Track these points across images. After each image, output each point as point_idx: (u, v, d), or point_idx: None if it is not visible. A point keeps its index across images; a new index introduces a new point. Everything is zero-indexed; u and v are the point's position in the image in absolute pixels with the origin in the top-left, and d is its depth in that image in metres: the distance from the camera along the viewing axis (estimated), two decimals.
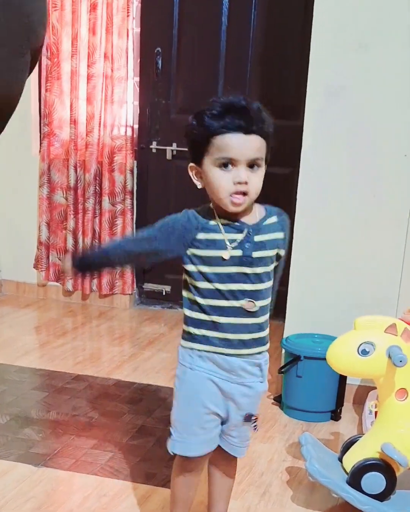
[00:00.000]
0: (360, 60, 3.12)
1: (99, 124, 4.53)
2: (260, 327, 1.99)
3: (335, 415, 3.25)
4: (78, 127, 4.56)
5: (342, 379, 3.21)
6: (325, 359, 2.47)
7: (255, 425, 2.10)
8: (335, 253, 3.32)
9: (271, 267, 1.97)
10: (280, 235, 1.99)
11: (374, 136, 3.17)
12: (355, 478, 2.39)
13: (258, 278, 1.93)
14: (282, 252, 2.02)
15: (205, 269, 1.92)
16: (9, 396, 3.33)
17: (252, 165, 1.85)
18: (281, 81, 4.38)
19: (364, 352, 2.32)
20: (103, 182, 4.61)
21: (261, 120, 1.87)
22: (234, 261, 1.90)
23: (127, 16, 4.37)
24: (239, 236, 1.91)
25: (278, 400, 3.36)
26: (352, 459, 2.44)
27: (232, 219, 1.92)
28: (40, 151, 4.71)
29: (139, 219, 4.74)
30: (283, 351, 3.33)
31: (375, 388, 3.04)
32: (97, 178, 4.63)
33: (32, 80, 4.65)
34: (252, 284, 1.93)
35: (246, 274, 1.91)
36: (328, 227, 3.30)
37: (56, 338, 4.19)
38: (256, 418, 2.09)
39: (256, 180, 1.87)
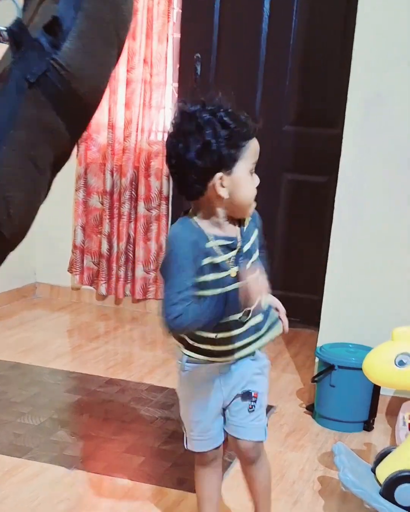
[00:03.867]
0: (402, 69, 3.11)
1: (137, 129, 4.55)
2: (256, 328, 1.98)
3: (368, 426, 3.22)
4: (115, 131, 4.58)
5: (376, 389, 3.19)
6: (359, 369, 2.46)
7: (253, 404, 2.06)
8: (372, 263, 3.30)
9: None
10: (256, 233, 1.96)
11: None
12: (388, 490, 2.37)
13: None
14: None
15: (208, 292, 1.85)
16: (43, 398, 3.35)
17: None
18: (320, 89, 4.37)
19: (401, 363, 2.30)
20: (139, 187, 4.62)
21: None
22: (234, 279, 1.86)
23: (168, 21, 4.39)
24: (233, 253, 1.88)
25: (310, 409, 3.35)
26: (386, 470, 2.42)
27: (220, 234, 1.86)
28: (77, 155, 4.73)
29: None
30: (317, 360, 3.31)
31: (408, 399, 3.03)
32: (133, 183, 4.65)
33: None
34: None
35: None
36: (365, 236, 3.29)
37: (89, 342, 4.21)
38: (255, 396, 2.06)
39: None
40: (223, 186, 1.79)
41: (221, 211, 1.86)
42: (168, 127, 1.88)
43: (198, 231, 1.85)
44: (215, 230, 1.86)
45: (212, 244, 1.85)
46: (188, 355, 2.02)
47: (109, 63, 1.11)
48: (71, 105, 1.20)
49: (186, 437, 2.16)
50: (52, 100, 1.18)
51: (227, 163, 1.78)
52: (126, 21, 1.12)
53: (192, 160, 1.76)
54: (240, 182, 1.80)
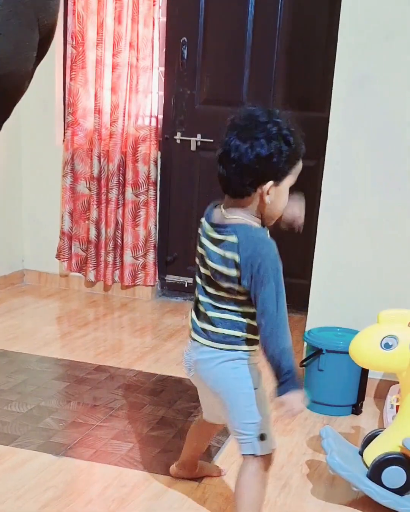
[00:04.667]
0: (387, 49, 3.09)
1: (124, 114, 4.52)
2: None
3: (356, 409, 3.23)
4: (102, 116, 4.55)
5: (364, 373, 3.19)
6: (347, 352, 2.46)
7: None
8: (359, 247, 3.29)
9: None
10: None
11: (401, 127, 3.14)
12: (375, 472, 2.38)
13: None
14: None
15: None
16: (30, 386, 3.34)
17: None
18: (306, 72, 4.34)
19: (387, 346, 2.30)
20: (126, 173, 4.60)
21: None
22: None
23: (153, 5, 4.35)
24: None
25: None
26: (373, 453, 2.43)
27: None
28: (64, 141, 4.71)
29: (162, 210, 4.73)
30: (305, 344, 3.31)
31: (396, 382, 3.03)
32: (121, 168, 4.62)
33: (56, 69, 4.65)
34: None
35: None
36: (352, 220, 3.28)
37: (77, 329, 4.19)
38: None
39: None
40: (268, 194, 1.95)
41: (258, 213, 2.01)
42: (230, 124, 1.97)
43: (264, 230, 2.04)
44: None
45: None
46: (252, 350, 2.10)
47: (27, 47, 1.08)
48: None
49: (269, 438, 2.12)
50: None
51: (279, 176, 1.95)
52: (48, 6, 1.10)
53: (254, 164, 1.90)
54: (282, 194, 1.99)
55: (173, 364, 3.68)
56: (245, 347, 2.07)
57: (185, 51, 4.53)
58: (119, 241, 4.70)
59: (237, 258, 1.95)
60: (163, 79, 4.61)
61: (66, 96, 4.67)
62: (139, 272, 4.74)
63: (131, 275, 4.73)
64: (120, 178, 4.64)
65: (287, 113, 1.99)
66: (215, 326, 2.06)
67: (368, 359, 2.38)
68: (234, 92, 4.45)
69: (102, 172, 4.63)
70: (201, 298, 2.09)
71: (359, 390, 3.22)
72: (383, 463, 2.37)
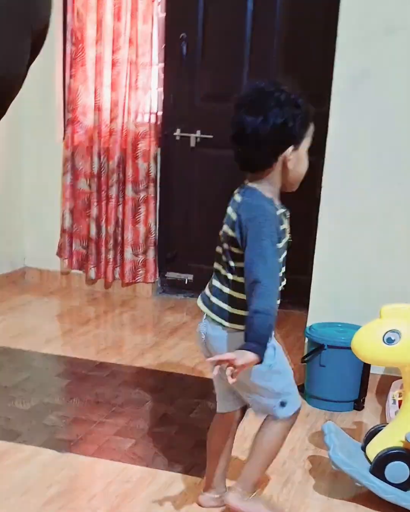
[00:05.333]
0: (387, 44, 3.08)
1: (123, 111, 4.52)
2: None
3: (358, 405, 3.23)
4: (102, 113, 4.54)
5: (366, 368, 3.19)
6: (348, 348, 2.46)
7: None
8: (360, 242, 3.29)
9: None
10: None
11: (401, 121, 3.14)
12: (378, 467, 2.38)
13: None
14: None
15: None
16: (33, 383, 3.34)
17: None
18: (306, 67, 4.34)
19: (390, 340, 2.30)
20: (126, 170, 4.60)
21: None
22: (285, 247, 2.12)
23: (152, 1, 4.34)
24: (287, 221, 2.12)
25: (301, 389, 3.34)
26: (376, 448, 2.43)
27: (277, 203, 2.08)
28: (64, 138, 4.71)
29: (162, 207, 4.73)
30: (306, 340, 3.31)
31: (398, 377, 3.03)
32: (121, 165, 4.62)
33: (56, 67, 4.65)
34: None
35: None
36: (353, 215, 3.28)
37: (79, 326, 4.19)
38: None
39: None
40: (290, 160, 2.00)
41: (280, 183, 2.05)
42: (237, 103, 2.03)
43: (270, 201, 2.04)
44: (276, 200, 2.07)
45: (279, 212, 2.06)
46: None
47: (20, 53, 1.12)
48: None
49: (291, 402, 2.19)
50: None
51: (297, 139, 2.00)
52: (40, 13, 1.14)
53: (272, 135, 1.95)
54: (302, 157, 2.04)
55: (175, 361, 3.68)
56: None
57: (184, 47, 4.52)
58: (119, 238, 4.70)
59: (234, 216, 2.01)
60: (162, 75, 4.60)
61: (66, 94, 4.67)
62: (139, 269, 4.74)
63: (132, 272, 4.73)
64: (120, 175, 4.63)
65: (287, 80, 2.07)
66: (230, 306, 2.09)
67: (371, 354, 2.38)
68: (233, 88, 4.44)
69: (102, 169, 4.63)
70: (225, 274, 2.10)
71: (361, 386, 3.22)
72: (386, 458, 2.37)
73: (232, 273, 2.06)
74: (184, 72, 4.57)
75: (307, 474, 2.65)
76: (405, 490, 2.38)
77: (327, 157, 3.26)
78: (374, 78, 3.13)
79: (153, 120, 4.53)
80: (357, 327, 2.53)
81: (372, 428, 2.57)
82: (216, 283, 2.13)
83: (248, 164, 2.04)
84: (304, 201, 4.25)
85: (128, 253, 4.68)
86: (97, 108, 4.54)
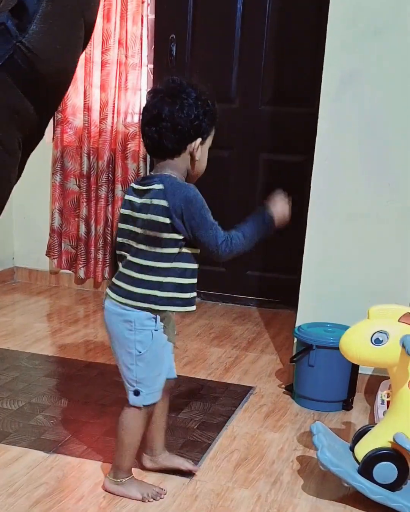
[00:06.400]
0: (376, 45, 3.09)
1: (113, 111, 4.52)
2: None
3: (347, 405, 3.23)
4: (91, 114, 4.54)
5: (354, 368, 3.19)
6: (337, 348, 2.46)
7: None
8: (348, 242, 3.30)
9: None
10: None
11: (390, 122, 3.15)
12: (366, 468, 2.38)
13: None
14: None
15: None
16: (21, 383, 3.33)
17: None
18: (295, 68, 4.35)
19: (378, 341, 2.31)
20: (116, 170, 4.60)
21: None
22: None
23: (142, 2, 4.35)
24: None
25: (289, 389, 3.35)
26: (364, 448, 2.43)
27: None
28: (53, 139, 4.70)
29: None
30: (295, 340, 3.31)
31: (387, 378, 3.04)
32: (110, 165, 4.62)
33: None
34: None
35: None
36: (342, 215, 3.28)
37: (68, 326, 4.19)
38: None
39: None
40: (197, 151, 2.16)
41: (186, 173, 2.21)
42: (155, 90, 2.21)
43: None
44: None
45: None
46: (163, 311, 2.22)
47: (75, 44, 1.13)
48: (38, 87, 1.21)
49: (143, 396, 2.31)
50: (18, 82, 1.18)
51: (205, 135, 2.17)
52: (91, 3, 1.15)
53: (185, 123, 2.10)
54: (205, 153, 2.21)
55: None
56: (155, 307, 2.19)
57: (174, 48, 4.52)
58: (109, 238, 4.70)
59: (164, 203, 2.10)
60: (152, 76, 4.60)
61: None
62: None
63: None
64: (110, 175, 4.63)
65: (203, 82, 2.19)
66: (133, 286, 2.18)
67: (359, 355, 2.38)
68: (222, 88, 4.45)
69: (91, 169, 4.63)
70: (130, 258, 2.20)
71: (349, 386, 3.22)
72: (374, 458, 2.37)
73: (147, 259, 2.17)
74: (173, 73, 4.56)
75: (295, 474, 2.65)
76: (393, 490, 2.38)
77: (315, 158, 3.27)
78: (363, 79, 3.13)
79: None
80: (346, 328, 2.53)
81: (360, 428, 2.57)
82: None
83: (160, 148, 2.16)
84: (292, 201, 4.28)
85: None
86: (87, 109, 4.54)
